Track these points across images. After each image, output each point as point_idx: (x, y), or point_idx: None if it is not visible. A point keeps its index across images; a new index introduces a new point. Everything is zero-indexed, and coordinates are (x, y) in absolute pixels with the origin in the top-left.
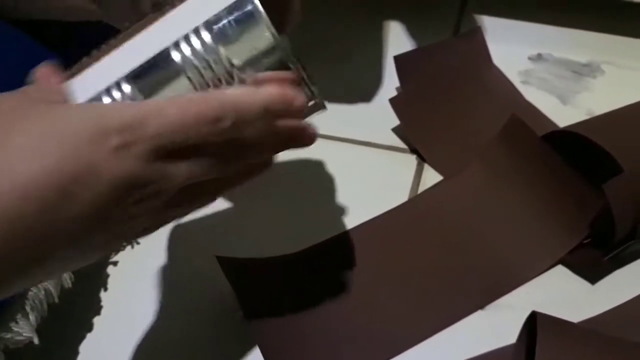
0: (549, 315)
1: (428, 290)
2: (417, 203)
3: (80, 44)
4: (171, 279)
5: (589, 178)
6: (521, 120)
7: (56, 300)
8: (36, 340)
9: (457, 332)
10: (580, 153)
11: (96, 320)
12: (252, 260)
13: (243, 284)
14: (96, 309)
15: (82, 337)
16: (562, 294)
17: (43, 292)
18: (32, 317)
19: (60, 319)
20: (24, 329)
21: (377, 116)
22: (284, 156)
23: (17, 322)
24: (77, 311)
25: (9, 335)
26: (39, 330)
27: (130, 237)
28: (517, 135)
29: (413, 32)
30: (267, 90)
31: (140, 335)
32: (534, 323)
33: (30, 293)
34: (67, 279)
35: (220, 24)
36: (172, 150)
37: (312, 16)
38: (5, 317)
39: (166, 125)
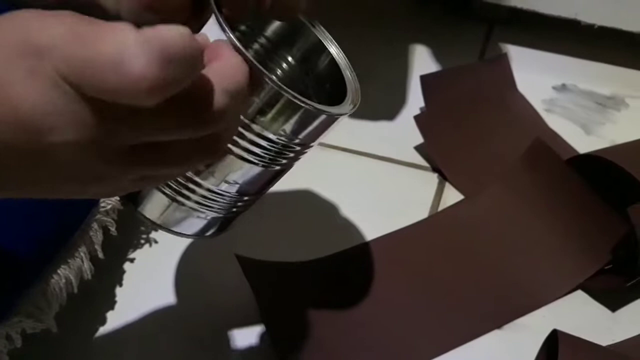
0: (570, 335)
1: (444, 306)
2: (437, 220)
3: None
4: (186, 280)
5: (612, 204)
6: (545, 143)
7: (75, 290)
8: (54, 329)
9: (473, 349)
10: (603, 179)
11: (109, 314)
12: (272, 263)
13: (261, 285)
14: (110, 303)
15: (95, 330)
16: (580, 319)
17: (64, 281)
18: (53, 305)
19: (76, 310)
20: (44, 316)
21: (401, 134)
22: (306, 168)
23: (38, 309)
24: (93, 304)
25: (29, 321)
26: (55, 318)
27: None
28: (541, 158)
29: (438, 55)
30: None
31: (151, 333)
32: (554, 343)
33: (52, 280)
34: (87, 270)
35: None
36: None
37: (340, 33)
38: (27, 302)
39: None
